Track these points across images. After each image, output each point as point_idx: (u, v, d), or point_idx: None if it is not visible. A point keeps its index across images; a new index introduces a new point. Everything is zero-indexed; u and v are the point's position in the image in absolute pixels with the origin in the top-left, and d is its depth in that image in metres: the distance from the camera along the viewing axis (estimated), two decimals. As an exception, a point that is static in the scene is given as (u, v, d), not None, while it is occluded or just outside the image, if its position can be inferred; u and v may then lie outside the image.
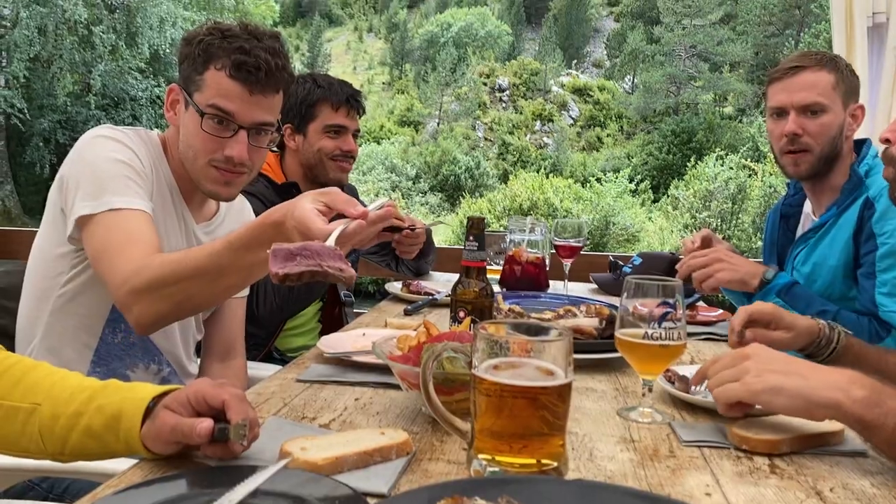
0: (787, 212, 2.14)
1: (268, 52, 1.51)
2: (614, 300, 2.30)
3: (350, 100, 2.29)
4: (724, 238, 2.24)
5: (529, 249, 2.28)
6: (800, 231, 2.09)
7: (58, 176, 1.50)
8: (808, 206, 2.09)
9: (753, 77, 37.58)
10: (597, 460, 0.99)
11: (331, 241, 1.07)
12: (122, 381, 0.96)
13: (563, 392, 0.89)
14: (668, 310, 1.14)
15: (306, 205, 1.13)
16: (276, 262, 1.00)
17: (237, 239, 1.26)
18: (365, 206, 1.22)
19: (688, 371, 1.33)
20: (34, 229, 3.81)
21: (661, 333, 1.14)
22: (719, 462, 1.00)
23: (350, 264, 1.05)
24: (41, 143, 26.79)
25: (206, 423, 0.83)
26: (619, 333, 1.18)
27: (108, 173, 1.43)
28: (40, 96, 26.35)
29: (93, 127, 1.58)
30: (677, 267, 1.93)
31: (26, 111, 24.82)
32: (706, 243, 2.07)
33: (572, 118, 41.39)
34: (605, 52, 49.54)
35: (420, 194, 31.37)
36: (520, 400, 0.88)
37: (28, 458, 0.94)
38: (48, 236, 1.54)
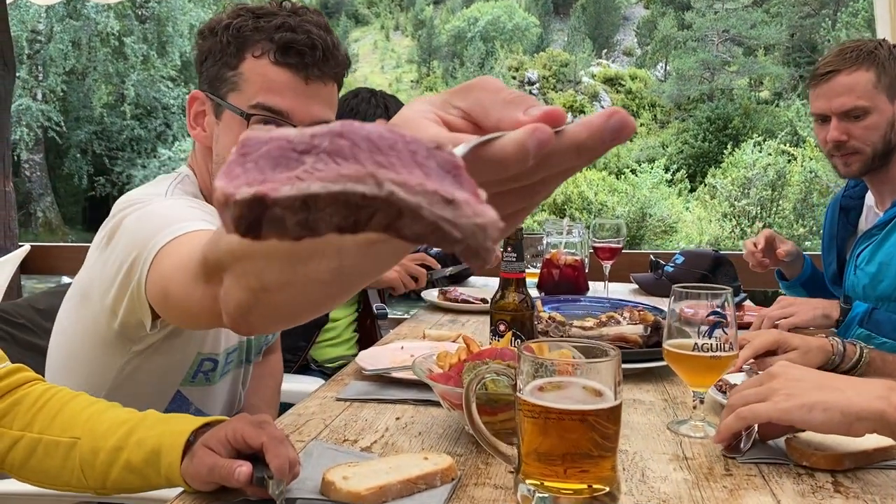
0: (847, 204, 2.05)
1: (319, 28, 1.21)
2: (656, 300, 2.25)
3: None
4: (764, 226, 2.16)
5: (567, 251, 2.23)
6: (862, 223, 2.01)
7: (93, 266, 1.19)
8: (870, 199, 1.99)
9: (789, 59, 36.74)
10: (649, 481, 0.95)
11: (459, 150, 0.42)
12: (160, 413, 0.95)
13: (614, 414, 0.85)
14: (719, 319, 1.09)
15: (416, 106, 0.48)
16: (237, 171, 0.36)
17: None
18: None
19: (739, 379, 1.28)
20: (74, 244, 3.88)
21: (711, 344, 1.09)
22: (779, 480, 0.95)
23: (484, 200, 0.37)
24: (79, 155, 27.39)
25: (244, 469, 0.81)
26: (668, 345, 1.13)
27: (160, 215, 1.07)
28: (76, 108, 26.95)
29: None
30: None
31: (63, 124, 25.42)
32: (769, 245, 2.00)
33: (604, 108, 40.94)
34: (635, 40, 48.85)
35: (452, 192, 31.35)
36: (568, 422, 0.85)
37: (70, 491, 0.93)
38: (85, 331, 1.24)
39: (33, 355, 1.63)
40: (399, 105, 2.20)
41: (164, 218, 1.04)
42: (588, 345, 0.92)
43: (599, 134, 0.42)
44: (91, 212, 24.60)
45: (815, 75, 1.86)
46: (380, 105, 2.15)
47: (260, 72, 1.19)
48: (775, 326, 1.68)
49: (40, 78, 25.13)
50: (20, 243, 3.27)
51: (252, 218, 0.34)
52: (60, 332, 1.32)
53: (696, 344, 1.09)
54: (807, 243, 17.28)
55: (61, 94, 25.49)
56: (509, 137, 0.42)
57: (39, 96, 25.11)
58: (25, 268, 3.20)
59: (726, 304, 1.09)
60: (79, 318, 1.25)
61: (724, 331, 1.09)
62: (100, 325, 1.18)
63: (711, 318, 1.09)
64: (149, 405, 1.05)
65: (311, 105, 1.22)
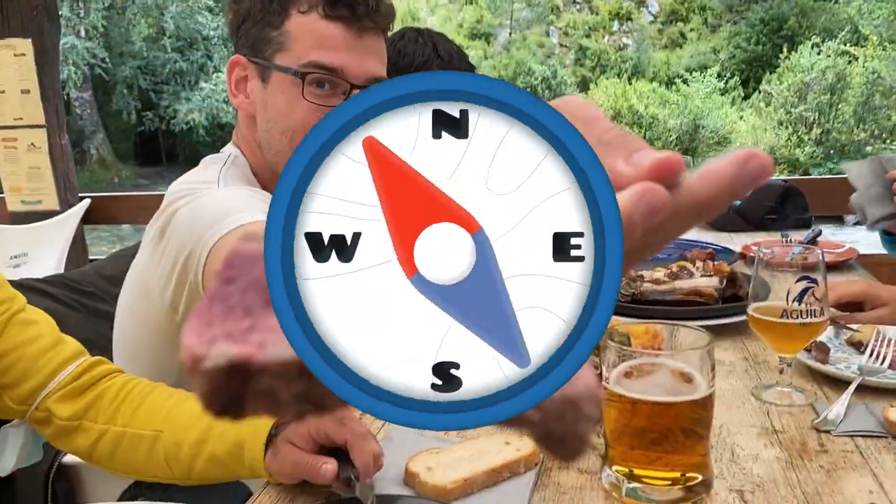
0: None
1: None
2: (722, 237, 2.17)
3: None
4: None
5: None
6: None
7: (148, 260, 1.13)
8: None
9: (851, -50, 34.37)
10: (740, 461, 0.91)
11: None
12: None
13: (706, 403, 0.81)
14: (809, 284, 1.03)
15: None
16: (215, 312, 0.24)
17: None
18: None
19: (825, 336, 1.23)
20: (132, 194, 3.94)
21: (801, 310, 1.03)
22: (878, 458, 0.91)
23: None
24: (125, 91, 27.55)
25: (330, 467, 0.80)
26: (753, 311, 1.08)
27: (213, 207, 1.03)
28: (119, 44, 26.96)
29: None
30: None
31: (108, 60, 25.54)
32: None
33: (652, 14, 39.17)
34: (683, -61, 46.26)
35: (497, 110, 30.77)
36: (657, 410, 0.82)
37: (158, 480, 0.95)
38: (147, 325, 1.18)
39: (103, 322, 1.66)
40: (448, 44, 2.09)
41: (217, 210, 0.99)
42: (675, 324, 0.88)
43: (730, 187, 0.29)
44: (141, 147, 24.91)
45: None
46: (427, 44, 2.03)
47: (309, 28, 1.13)
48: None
49: (81, 15, 25.15)
50: (80, 195, 3.31)
51: (230, 393, 0.23)
52: (123, 329, 1.28)
53: (784, 310, 1.04)
54: (868, 148, 16.55)
55: (102, 29, 25.52)
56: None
57: (83, 33, 25.20)
58: (87, 219, 3.26)
59: (818, 268, 1.03)
60: (140, 313, 1.21)
61: (814, 295, 1.03)
62: (162, 320, 1.14)
63: (801, 282, 1.03)
64: None
65: (365, 60, 1.16)
